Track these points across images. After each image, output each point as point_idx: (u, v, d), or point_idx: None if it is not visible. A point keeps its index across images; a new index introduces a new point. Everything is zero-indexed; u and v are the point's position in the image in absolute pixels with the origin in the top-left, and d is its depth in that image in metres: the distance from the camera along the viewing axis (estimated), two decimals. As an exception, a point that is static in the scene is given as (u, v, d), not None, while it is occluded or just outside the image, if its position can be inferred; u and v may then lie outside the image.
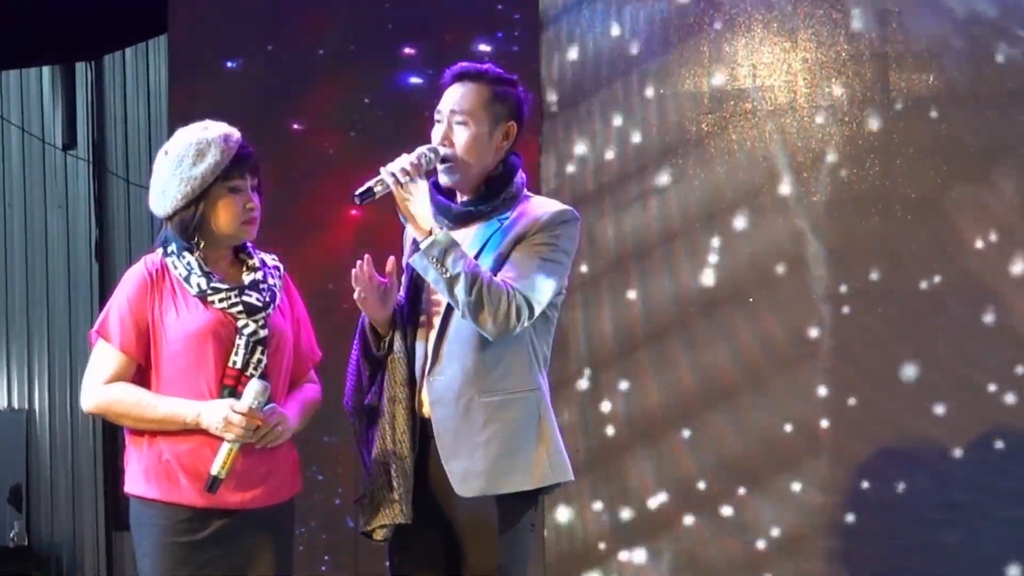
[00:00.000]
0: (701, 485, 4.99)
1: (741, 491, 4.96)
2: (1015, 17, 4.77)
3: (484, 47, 5.24)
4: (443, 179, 3.25)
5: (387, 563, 3.35)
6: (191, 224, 3.21)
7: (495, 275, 3.14)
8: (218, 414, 3.12)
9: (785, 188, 4.97)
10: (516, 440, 3.19)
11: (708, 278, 5.03)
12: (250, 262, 3.31)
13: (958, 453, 4.76)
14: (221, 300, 3.21)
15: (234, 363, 3.18)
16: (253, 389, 3.12)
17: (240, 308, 3.21)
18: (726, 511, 4.96)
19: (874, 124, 4.89)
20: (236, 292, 3.22)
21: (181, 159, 3.19)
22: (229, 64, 5.52)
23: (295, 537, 3.42)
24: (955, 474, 4.76)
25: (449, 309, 3.19)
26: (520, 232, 3.20)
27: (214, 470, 3.11)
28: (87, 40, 5.77)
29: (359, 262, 3.19)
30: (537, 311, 3.15)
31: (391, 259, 3.23)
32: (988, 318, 4.75)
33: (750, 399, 4.96)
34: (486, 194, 3.25)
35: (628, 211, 5.11)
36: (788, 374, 4.94)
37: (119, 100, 5.93)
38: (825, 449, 4.89)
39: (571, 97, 5.21)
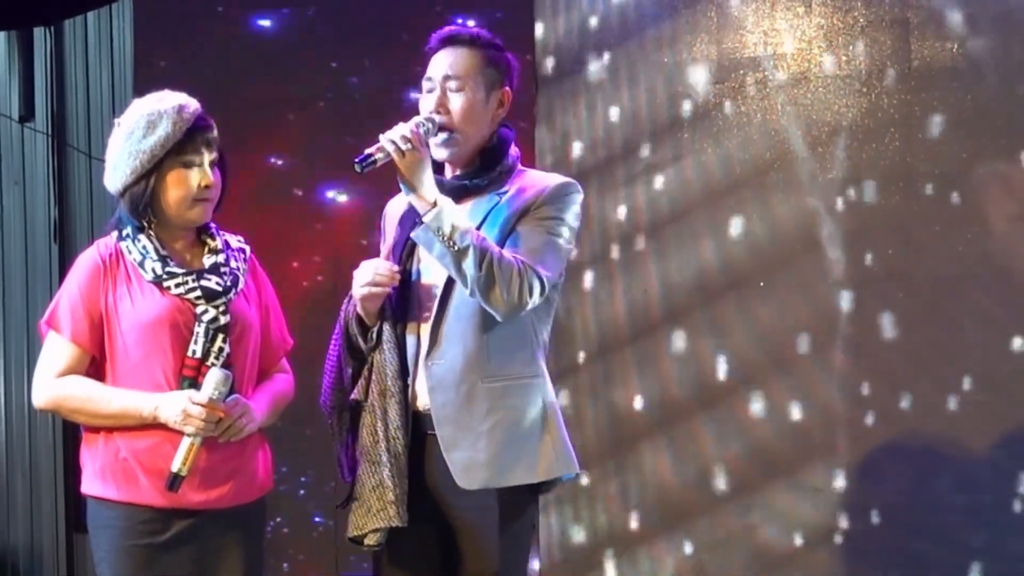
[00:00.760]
0: (709, 482, 5.00)
1: (753, 487, 4.96)
2: (1047, -20, 4.76)
3: (473, 9, 5.22)
4: (438, 153, 3.23)
5: (368, 567, 3.34)
6: (141, 201, 3.21)
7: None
8: (176, 406, 3.12)
9: (798, 164, 4.95)
10: (521, 429, 3.20)
11: (715, 261, 5.01)
12: (212, 244, 3.31)
13: (985, 444, 4.76)
14: (178, 285, 3.21)
15: (193, 352, 3.18)
16: (213, 379, 3.13)
17: (198, 293, 3.21)
18: (740, 509, 4.97)
19: (894, 96, 4.87)
20: (194, 277, 3.22)
21: (132, 131, 3.20)
22: (199, 30, 5.49)
23: (265, 538, 3.41)
24: (982, 468, 4.77)
25: (447, 291, 3.18)
26: (523, 206, 3.20)
27: (174, 467, 3.11)
28: (45, 4, 5.74)
29: (384, 266, 3.17)
30: (548, 287, 3.16)
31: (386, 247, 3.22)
32: (1017, 301, 4.74)
33: (750, 395, 4.95)
34: (481, 167, 3.26)
35: (630, 188, 5.10)
36: (801, 363, 4.93)
37: (80, 68, 5.89)
38: (844, 442, 4.88)
39: (569, 65, 5.19)
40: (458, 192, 3.23)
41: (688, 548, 5.02)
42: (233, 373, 3.17)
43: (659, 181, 5.07)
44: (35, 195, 5.82)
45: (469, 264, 3.07)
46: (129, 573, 3.16)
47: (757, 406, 4.96)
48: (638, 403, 5.07)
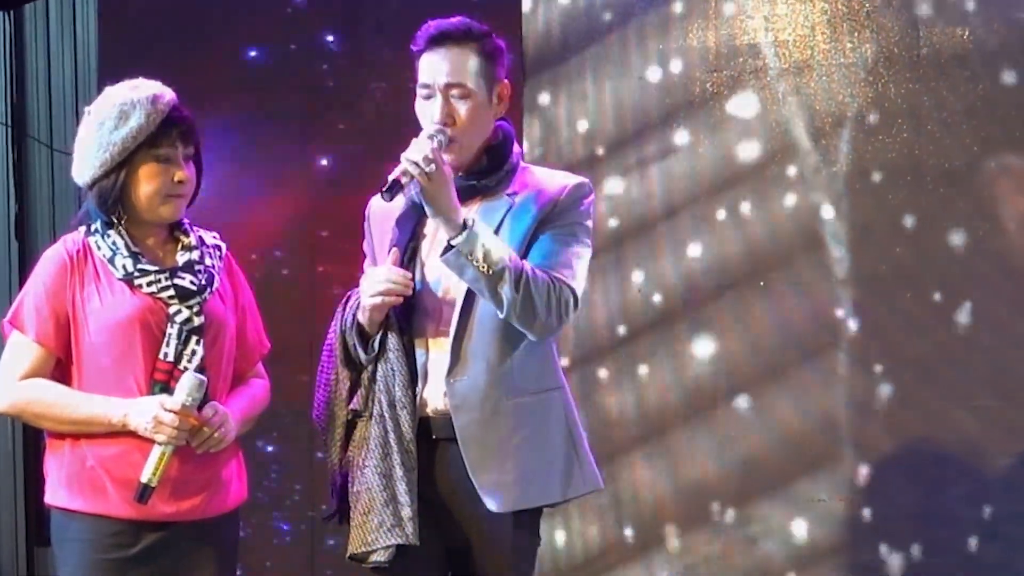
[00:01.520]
0: (707, 491, 5.01)
1: (754, 495, 4.98)
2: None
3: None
4: (446, 159, 3.21)
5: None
6: (110, 195, 3.21)
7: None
8: (147, 413, 3.12)
9: (802, 157, 4.97)
10: (547, 447, 3.23)
11: (714, 257, 5.02)
12: (185, 240, 3.30)
13: (998, 454, 4.78)
14: (149, 284, 3.20)
15: (165, 355, 3.18)
16: (187, 384, 3.12)
17: (171, 292, 3.21)
18: (737, 518, 4.99)
19: (902, 85, 4.89)
20: (167, 275, 3.22)
21: (103, 121, 3.20)
22: (166, 15, 5.49)
23: (238, 551, 3.42)
24: (995, 480, 4.78)
25: (467, 303, 3.20)
26: (542, 211, 3.22)
27: (144, 477, 3.11)
28: (3, -14, 5.74)
29: (399, 274, 3.17)
30: (580, 301, 3.20)
31: (394, 251, 3.22)
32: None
33: (752, 397, 4.97)
34: (489, 166, 3.28)
35: (625, 182, 5.11)
36: (805, 365, 4.95)
37: (41, 56, 5.87)
38: (850, 446, 4.90)
39: (558, 53, 5.20)
40: (468, 193, 3.24)
41: (680, 563, 5.05)
42: (207, 377, 3.17)
43: (652, 175, 5.09)
44: (-7, 189, 5.83)
45: (506, 288, 3.09)
46: (97, 588, 3.16)
47: (754, 412, 4.98)
48: (630, 411, 5.08)
